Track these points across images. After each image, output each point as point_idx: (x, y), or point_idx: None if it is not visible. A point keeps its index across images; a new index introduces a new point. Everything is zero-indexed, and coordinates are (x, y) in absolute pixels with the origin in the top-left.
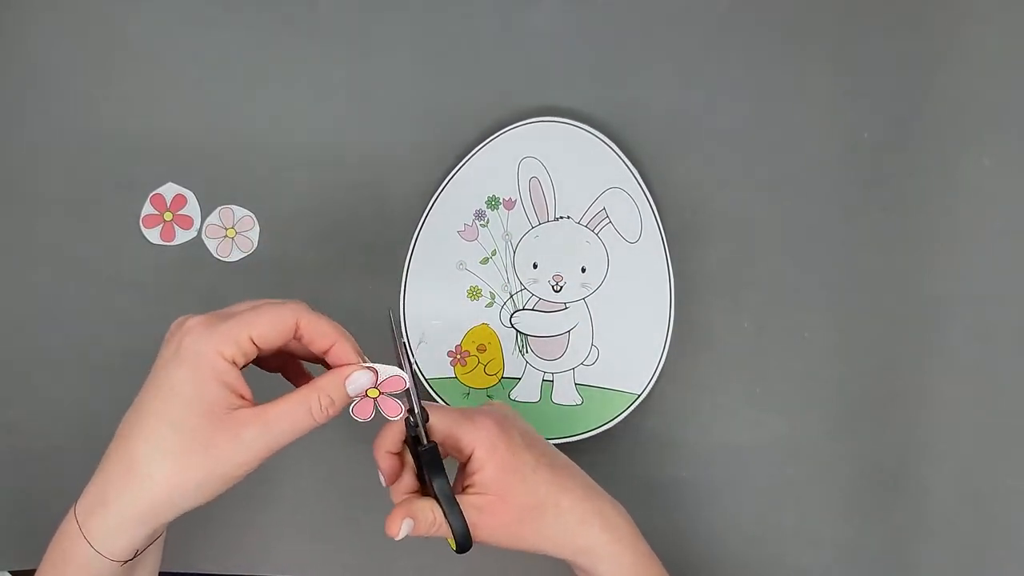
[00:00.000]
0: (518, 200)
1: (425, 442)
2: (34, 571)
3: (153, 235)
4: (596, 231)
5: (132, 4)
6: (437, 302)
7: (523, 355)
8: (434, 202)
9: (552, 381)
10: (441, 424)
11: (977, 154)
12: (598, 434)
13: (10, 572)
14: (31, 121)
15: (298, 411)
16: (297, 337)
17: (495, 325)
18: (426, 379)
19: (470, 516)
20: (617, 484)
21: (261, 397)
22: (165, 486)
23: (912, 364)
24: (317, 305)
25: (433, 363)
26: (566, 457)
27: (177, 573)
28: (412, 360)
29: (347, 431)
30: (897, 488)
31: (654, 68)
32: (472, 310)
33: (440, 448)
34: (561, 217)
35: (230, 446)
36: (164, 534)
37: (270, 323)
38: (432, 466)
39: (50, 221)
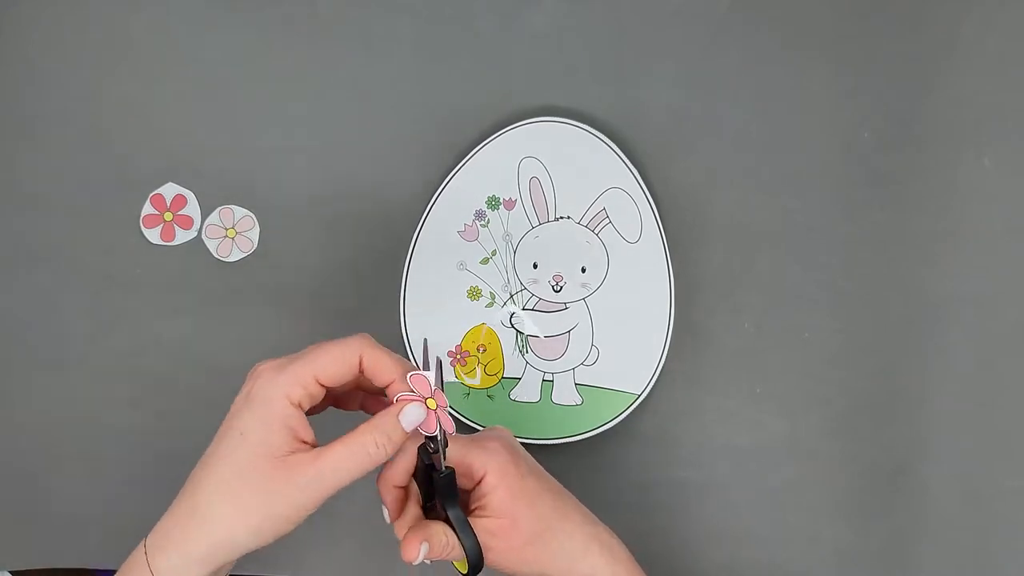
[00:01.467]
0: (518, 200)
1: (443, 468)
2: (34, 571)
3: (153, 235)
4: (596, 231)
5: (132, 4)
6: (437, 302)
7: (523, 355)
8: (434, 202)
9: (552, 381)
10: (452, 450)
11: (977, 154)
12: (598, 434)
13: (10, 572)
14: (31, 121)
15: (356, 453)
16: (363, 372)
17: (495, 325)
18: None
19: (482, 539)
20: (617, 484)
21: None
22: (225, 528)
23: (912, 364)
24: (317, 305)
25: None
26: (560, 484)
27: None
28: (442, 381)
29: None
30: (897, 488)
31: (654, 68)
32: (472, 310)
33: None
34: (561, 217)
35: (286, 490)
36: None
37: (334, 361)
38: (448, 491)
39: (50, 221)
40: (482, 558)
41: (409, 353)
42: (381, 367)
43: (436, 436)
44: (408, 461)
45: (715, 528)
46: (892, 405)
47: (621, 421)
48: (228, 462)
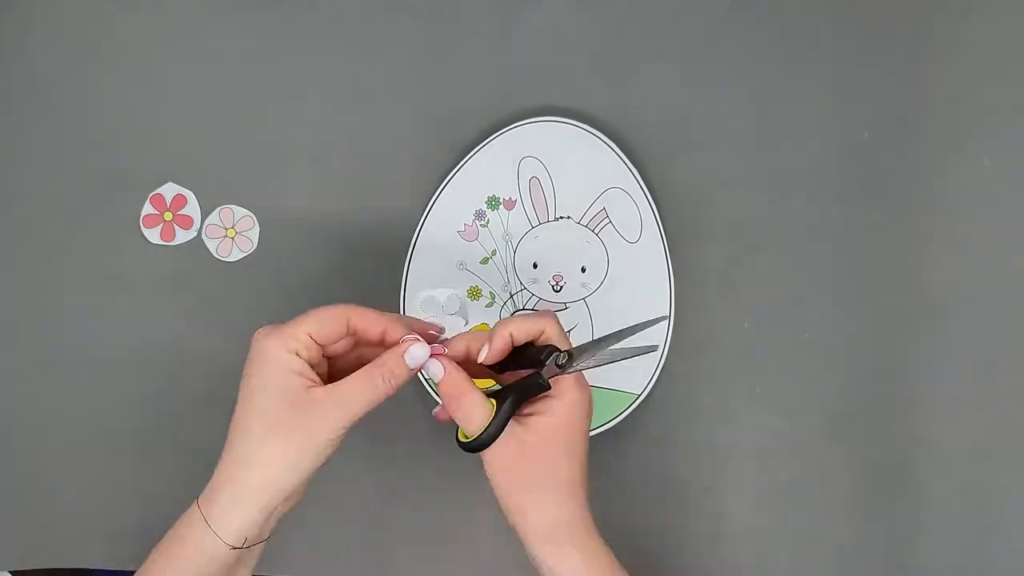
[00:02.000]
0: (518, 200)
1: (547, 383)
2: (34, 571)
3: (153, 235)
4: (596, 231)
5: (132, 4)
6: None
7: None
8: (434, 202)
9: None
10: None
11: (977, 154)
12: (598, 434)
13: (10, 572)
14: (31, 121)
15: (366, 385)
16: (351, 332)
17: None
18: (426, 379)
19: (502, 437)
20: (617, 484)
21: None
22: (262, 467)
23: (912, 364)
24: (317, 305)
25: (433, 363)
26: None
27: None
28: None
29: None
30: (897, 488)
31: (654, 68)
32: (472, 310)
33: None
34: (561, 217)
35: (310, 421)
36: (263, 546)
37: (322, 319)
38: (527, 391)
39: (50, 221)
40: (489, 443)
41: None
42: (368, 319)
43: (575, 355)
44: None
45: (715, 528)
46: (892, 405)
47: (621, 421)
48: (254, 416)
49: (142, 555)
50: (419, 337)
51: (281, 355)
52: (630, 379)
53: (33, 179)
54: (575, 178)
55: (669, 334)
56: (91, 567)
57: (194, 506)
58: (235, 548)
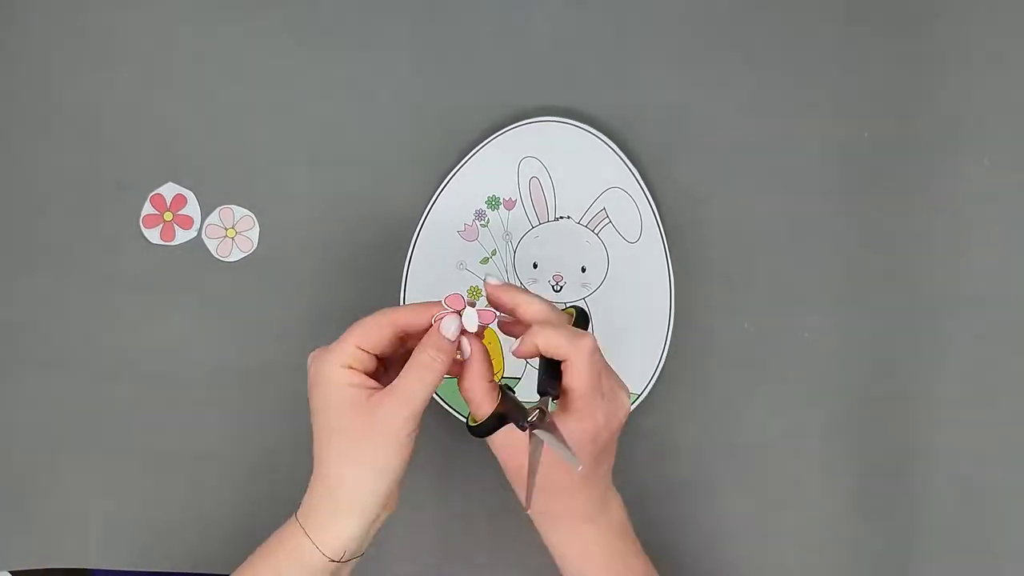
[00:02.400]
0: (518, 200)
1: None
2: (33, 571)
3: (153, 235)
4: (596, 231)
5: (132, 4)
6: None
7: None
8: (434, 202)
9: None
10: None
11: (977, 154)
12: None
13: (10, 572)
14: (31, 121)
15: (418, 371)
16: (401, 331)
17: (495, 326)
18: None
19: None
20: (617, 484)
21: None
22: (352, 479)
23: (912, 364)
24: (317, 304)
25: None
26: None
27: (179, 573)
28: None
29: None
30: (897, 488)
31: (654, 68)
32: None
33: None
34: (561, 217)
35: (380, 424)
36: (357, 561)
37: (367, 327)
38: (514, 418)
39: (50, 221)
40: (493, 430)
41: None
42: (413, 316)
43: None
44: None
45: (715, 528)
46: (892, 405)
47: None
48: (331, 435)
49: (142, 556)
50: (450, 307)
51: (335, 372)
52: (630, 379)
53: (33, 179)
54: (575, 178)
55: (669, 334)
56: (91, 567)
57: (293, 523)
58: (334, 562)
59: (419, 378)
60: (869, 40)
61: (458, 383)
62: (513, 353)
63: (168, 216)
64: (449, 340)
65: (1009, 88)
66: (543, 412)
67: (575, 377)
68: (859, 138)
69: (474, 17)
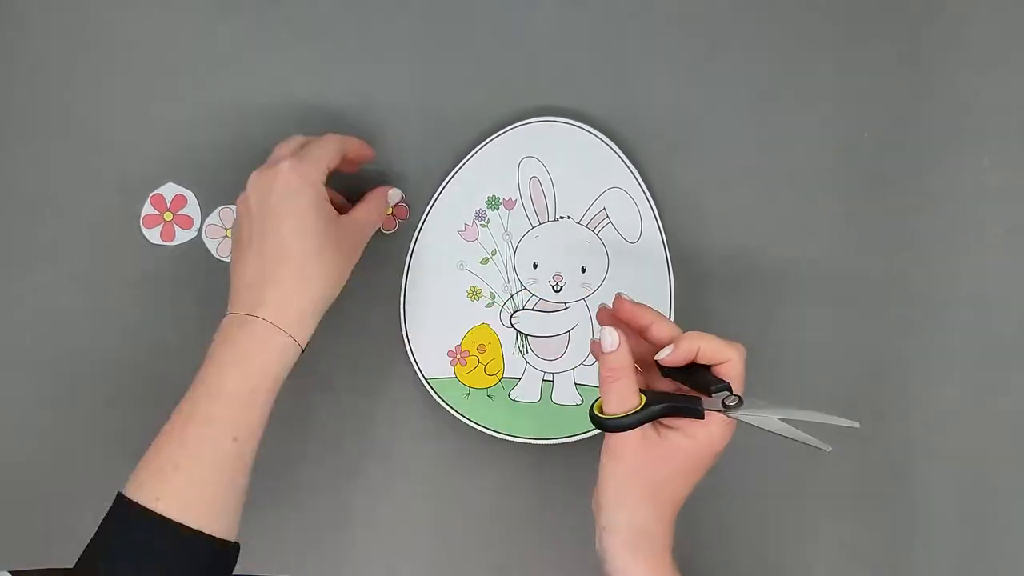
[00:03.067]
0: (518, 200)
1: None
2: (33, 571)
3: (153, 235)
4: (596, 231)
5: (132, 4)
6: (437, 302)
7: (523, 355)
8: (434, 202)
9: (552, 381)
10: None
11: (977, 154)
12: (598, 434)
13: (10, 572)
14: (31, 121)
15: (372, 214)
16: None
17: (495, 325)
18: (426, 379)
19: (650, 432)
20: None
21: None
22: (323, 277)
23: (912, 364)
24: None
25: (433, 363)
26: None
27: None
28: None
29: (346, 432)
30: (897, 488)
31: (654, 68)
32: (472, 310)
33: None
34: (561, 217)
35: (347, 240)
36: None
37: (335, 151)
38: (700, 389)
39: (50, 221)
40: (627, 429)
41: (409, 352)
42: (357, 146)
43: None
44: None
45: (716, 528)
46: (892, 405)
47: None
48: (307, 235)
49: None
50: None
51: (318, 184)
52: None
53: (33, 179)
54: (575, 178)
55: None
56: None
57: (255, 320)
58: (304, 349)
59: (371, 217)
60: (869, 40)
61: (602, 377)
62: (663, 361)
63: (168, 216)
64: (389, 204)
65: (1009, 88)
66: (740, 398)
67: (734, 377)
68: (859, 138)
69: (474, 17)
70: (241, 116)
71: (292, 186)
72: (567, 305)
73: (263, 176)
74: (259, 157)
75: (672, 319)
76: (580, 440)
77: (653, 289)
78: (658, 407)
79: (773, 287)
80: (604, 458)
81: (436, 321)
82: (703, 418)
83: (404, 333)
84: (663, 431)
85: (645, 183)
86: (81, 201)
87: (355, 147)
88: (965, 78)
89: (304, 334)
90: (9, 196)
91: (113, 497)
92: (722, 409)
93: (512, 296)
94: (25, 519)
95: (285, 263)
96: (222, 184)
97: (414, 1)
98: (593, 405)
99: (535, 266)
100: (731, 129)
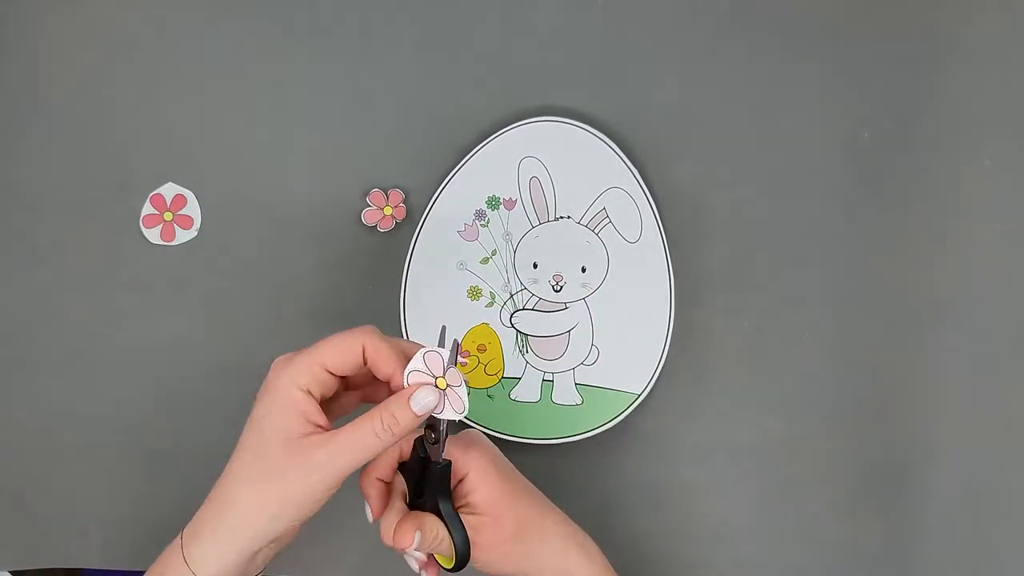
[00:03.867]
0: (518, 200)
1: (440, 460)
2: (34, 571)
3: (153, 235)
4: (596, 231)
5: (132, 4)
6: (437, 302)
7: (523, 355)
8: (434, 202)
9: (552, 381)
10: (433, 450)
11: (977, 154)
12: (598, 434)
13: (10, 572)
14: (31, 121)
15: (364, 432)
16: (365, 362)
17: (495, 325)
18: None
19: (468, 534)
20: (617, 484)
21: None
22: (247, 513)
23: (912, 364)
24: (318, 305)
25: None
26: (534, 487)
27: None
28: (456, 359)
29: None
30: (897, 488)
31: (654, 68)
32: (472, 310)
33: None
34: (561, 217)
35: (302, 472)
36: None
37: (337, 349)
38: (442, 484)
39: (50, 221)
40: (469, 553)
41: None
42: (382, 357)
43: (438, 426)
44: (392, 455)
45: (715, 528)
46: (892, 405)
47: (621, 421)
48: (249, 449)
49: (140, 556)
50: (431, 380)
51: (291, 392)
52: (630, 379)
53: (33, 179)
54: (575, 178)
55: (669, 334)
56: (91, 567)
57: (177, 542)
58: None
59: (360, 441)
60: (869, 40)
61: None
62: (376, 516)
63: (168, 216)
64: (415, 415)
65: (1009, 88)
66: (427, 428)
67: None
68: (859, 138)
69: (474, 17)
70: (241, 116)
71: (265, 387)
72: (567, 305)
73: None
74: (259, 157)
75: (672, 319)
76: (580, 440)
77: (653, 289)
78: (443, 509)
79: (773, 287)
80: (482, 570)
81: (436, 321)
82: (450, 461)
83: (404, 333)
84: (465, 518)
85: (645, 183)
86: (81, 201)
87: (374, 351)
88: (965, 78)
89: (210, 572)
90: (9, 196)
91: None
92: (437, 444)
93: (512, 296)
94: (25, 519)
95: (221, 480)
96: (222, 184)
97: (414, 1)
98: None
99: (535, 266)
100: (731, 129)
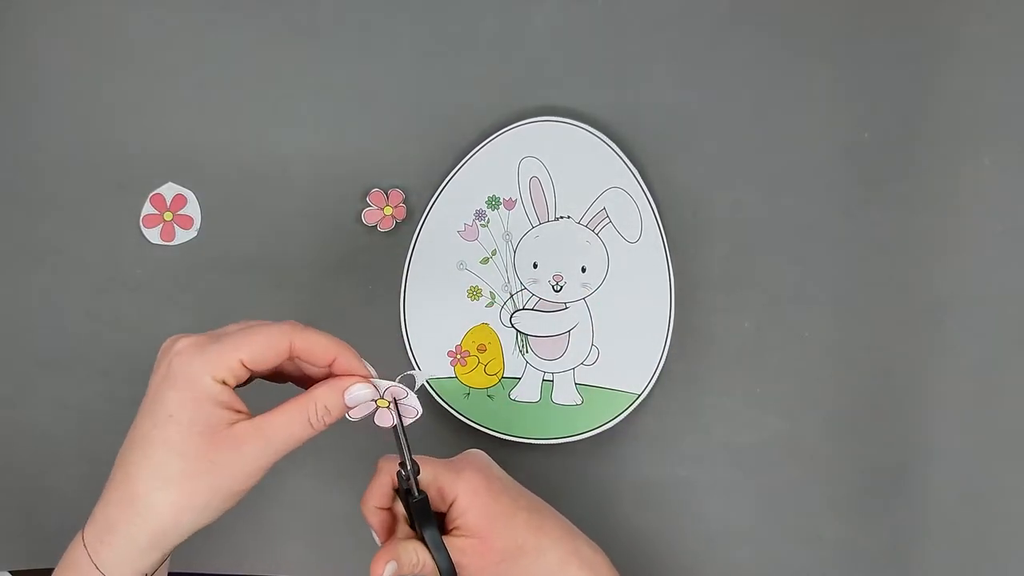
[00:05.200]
0: (518, 200)
1: (416, 494)
2: (34, 571)
3: (153, 235)
4: (596, 231)
5: (132, 4)
6: (437, 302)
7: (523, 355)
8: (434, 202)
9: (552, 381)
10: (424, 475)
11: (977, 154)
12: (598, 434)
13: (10, 572)
14: (31, 121)
15: (296, 421)
16: (294, 357)
17: (495, 325)
18: (426, 380)
19: (455, 558)
20: (617, 484)
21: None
22: (170, 512)
23: (912, 364)
24: (317, 304)
25: (433, 363)
26: (542, 501)
27: (178, 573)
28: (399, 417)
29: (347, 431)
30: (897, 488)
31: (654, 68)
32: (472, 310)
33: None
34: (561, 217)
35: (233, 463)
36: (169, 556)
37: (261, 345)
38: (423, 516)
39: (50, 221)
40: (455, 574)
41: (409, 352)
42: (318, 348)
43: (406, 463)
44: (385, 483)
45: (715, 528)
46: (892, 405)
47: (621, 421)
48: (163, 446)
49: None
50: (367, 376)
51: (205, 382)
52: (630, 379)
53: (33, 179)
54: (575, 178)
55: (669, 334)
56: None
57: (79, 545)
58: None
59: (293, 429)
60: (869, 40)
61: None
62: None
63: (168, 216)
64: (345, 407)
65: (1009, 88)
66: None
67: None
68: (859, 138)
69: (474, 17)
70: (241, 116)
71: (169, 375)
72: (567, 305)
73: (170, 343)
74: (259, 157)
75: (672, 319)
76: (580, 440)
77: (653, 289)
78: (429, 537)
79: (773, 287)
80: None
81: (436, 321)
82: (426, 494)
83: (404, 333)
84: (451, 542)
85: (645, 183)
86: (81, 201)
87: (305, 342)
88: (965, 78)
89: (123, 573)
90: (9, 196)
91: None
92: (409, 480)
93: (512, 296)
94: (25, 519)
95: (124, 478)
96: (222, 184)
97: (414, 1)
98: None
99: (535, 266)
100: (731, 129)
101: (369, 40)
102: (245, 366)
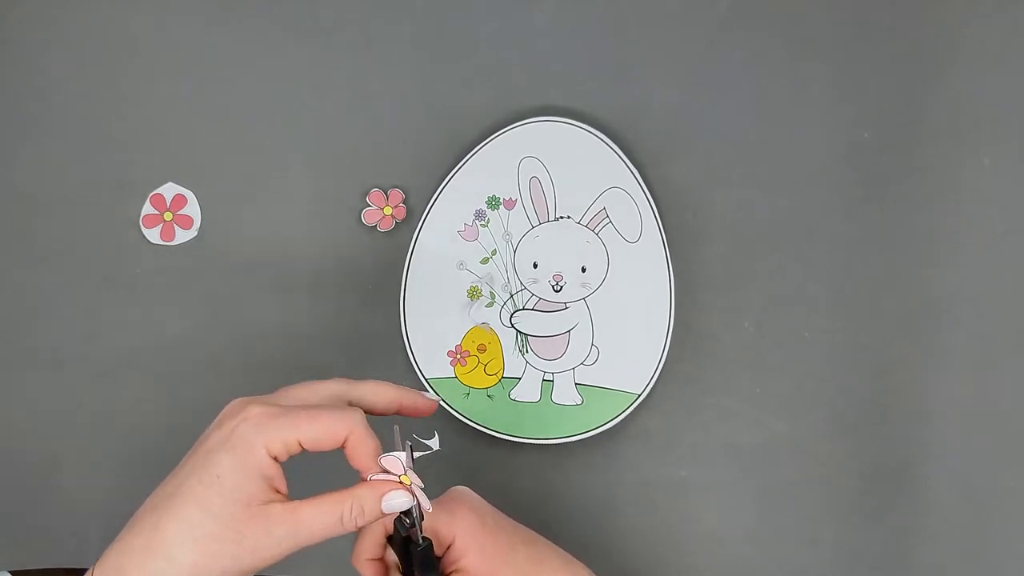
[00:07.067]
0: (518, 200)
1: (420, 541)
2: (34, 571)
3: (153, 235)
4: (596, 231)
5: (133, 4)
6: (437, 302)
7: (523, 355)
8: (434, 202)
9: (552, 381)
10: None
11: (977, 154)
12: (598, 434)
13: (10, 572)
14: (31, 121)
15: (329, 517)
16: (342, 447)
17: (495, 325)
18: (426, 379)
19: None
20: (617, 484)
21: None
22: (188, 572)
23: (912, 364)
24: (317, 305)
25: (433, 363)
26: (535, 532)
27: None
28: (412, 461)
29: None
30: (897, 488)
31: (654, 68)
32: (472, 310)
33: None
34: (561, 217)
35: (260, 541)
36: None
37: (322, 433)
38: (426, 563)
39: (50, 221)
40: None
41: (409, 352)
42: (363, 452)
43: (412, 511)
44: (377, 535)
45: (715, 528)
46: (892, 405)
47: (621, 421)
48: (200, 504)
49: None
50: (402, 483)
51: (259, 453)
52: (630, 379)
53: (33, 179)
54: (575, 178)
55: (669, 334)
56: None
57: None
58: None
59: (325, 524)
60: (869, 40)
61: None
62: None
63: (168, 216)
64: (381, 511)
65: (1009, 88)
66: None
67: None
68: (859, 138)
69: (474, 17)
70: (241, 116)
71: (225, 436)
72: (567, 305)
73: (239, 406)
74: (259, 157)
75: (672, 319)
76: (580, 440)
77: (653, 289)
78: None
79: (773, 287)
80: None
81: (436, 321)
82: (430, 540)
83: (404, 333)
84: None
85: (645, 183)
86: (81, 201)
87: (357, 445)
88: (965, 78)
89: None
90: (9, 196)
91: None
92: (412, 525)
93: (512, 296)
94: (25, 519)
95: (148, 521)
96: (222, 184)
97: (414, 1)
98: None
99: (535, 266)
100: (731, 129)
101: (369, 40)
102: (301, 445)
